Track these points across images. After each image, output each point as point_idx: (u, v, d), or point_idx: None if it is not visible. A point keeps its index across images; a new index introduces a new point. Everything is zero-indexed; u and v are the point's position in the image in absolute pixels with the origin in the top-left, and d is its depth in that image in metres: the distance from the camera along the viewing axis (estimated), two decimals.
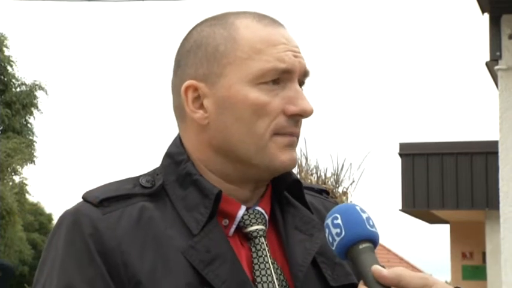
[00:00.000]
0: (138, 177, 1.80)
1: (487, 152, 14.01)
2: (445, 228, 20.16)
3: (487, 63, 12.15)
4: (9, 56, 22.19)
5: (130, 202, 1.73)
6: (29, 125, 22.79)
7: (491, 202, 13.74)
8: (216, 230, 1.73)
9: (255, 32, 1.77)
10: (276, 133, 1.74)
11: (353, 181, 11.85)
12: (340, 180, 11.63)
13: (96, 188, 1.78)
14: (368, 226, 1.61)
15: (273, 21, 1.83)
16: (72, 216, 1.71)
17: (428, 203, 17.65)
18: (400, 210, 17.62)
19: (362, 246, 1.59)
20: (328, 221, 1.64)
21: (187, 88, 1.78)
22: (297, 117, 1.76)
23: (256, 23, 1.80)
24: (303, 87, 1.81)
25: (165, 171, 1.81)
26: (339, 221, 1.61)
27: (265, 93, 1.74)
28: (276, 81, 1.75)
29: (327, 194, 2.01)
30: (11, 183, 21.99)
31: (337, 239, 1.61)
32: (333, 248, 1.63)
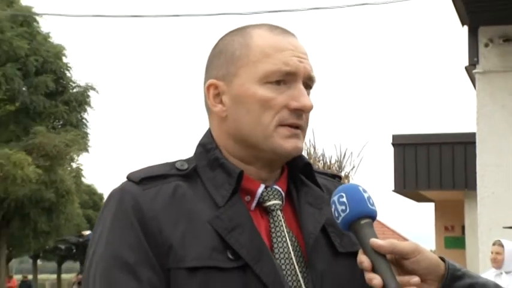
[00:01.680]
0: (174, 162, 1.80)
1: (466, 142, 13.89)
2: (431, 206, 20.04)
3: (466, 68, 12.15)
4: (67, 63, 22.20)
5: (167, 181, 1.73)
6: (83, 120, 22.76)
7: (469, 184, 13.64)
8: (238, 203, 1.72)
9: (266, 40, 1.78)
10: (280, 124, 1.73)
11: (353, 167, 11.96)
12: (343, 166, 11.75)
13: (138, 170, 1.79)
14: (369, 205, 1.61)
15: (284, 31, 1.83)
16: (118, 193, 1.73)
17: (417, 184, 17.55)
18: (392, 191, 17.52)
19: (363, 221, 1.59)
20: (335, 198, 1.64)
21: (209, 86, 1.80)
22: (298, 112, 1.75)
23: (269, 32, 1.80)
24: (310, 91, 1.81)
25: (198, 158, 1.81)
26: (344, 199, 1.61)
27: (271, 91, 1.73)
28: (281, 81, 1.74)
29: (339, 179, 2.00)
30: (69, 169, 22.04)
31: (342, 214, 1.60)
32: (338, 222, 1.63)
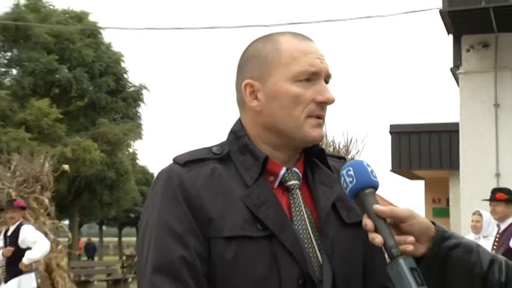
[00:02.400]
0: (211, 147, 1.81)
1: (451, 130, 13.83)
2: (421, 183, 20.02)
3: (451, 69, 12.14)
4: (124, 67, 22.34)
5: (205, 164, 1.75)
6: (138, 113, 22.81)
7: (453, 164, 13.64)
8: (264, 183, 1.73)
9: (293, 45, 1.77)
10: (308, 116, 1.73)
11: (358, 151, 12.02)
12: (349, 150, 11.81)
13: (182, 154, 1.81)
14: (372, 177, 1.62)
15: (305, 37, 1.84)
16: (165, 173, 1.75)
17: (410, 165, 17.55)
18: (390, 170, 17.53)
19: (367, 191, 1.60)
20: (344, 172, 1.64)
21: (246, 85, 1.78)
22: (323, 104, 1.75)
23: (294, 39, 1.80)
24: (328, 85, 1.80)
25: (230, 143, 1.80)
26: (352, 172, 1.62)
27: (300, 88, 1.72)
28: (308, 80, 1.73)
29: (345, 160, 1.95)
30: (126, 153, 22.17)
31: (350, 185, 1.61)
32: (346, 192, 1.63)
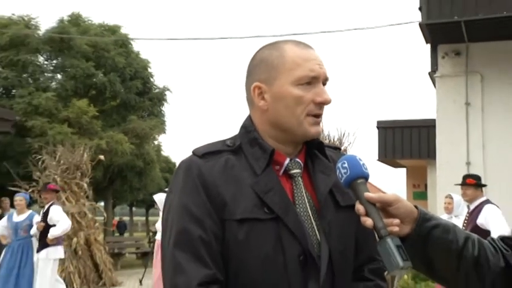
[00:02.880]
0: (224, 140, 1.81)
1: (429, 126, 13.72)
2: (404, 170, 19.88)
3: (429, 73, 12.06)
4: (150, 72, 22.11)
5: (220, 155, 1.74)
6: (162, 111, 22.62)
7: (431, 155, 13.54)
8: (271, 172, 1.73)
9: (295, 52, 1.76)
10: (308, 114, 1.73)
11: (350, 143, 11.91)
12: (342, 142, 11.67)
13: (200, 147, 1.80)
14: (363, 169, 1.61)
15: (306, 45, 1.81)
16: (186, 164, 1.75)
17: (394, 155, 17.41)
18: (376, 160, 17.40)
19: (359, 181, 1.60)
20: (339, 164, 1.63)
21: (254, 87, 1.78)
22: (321, 105, 1.75)
23: (296, 47, 1.78)
24: (325, 87, 1.79)
25: (241, 137, 1.80)
26: (346, 165, 1.61)
27: (301, 90, 1.72)
28: (308, 83, 1.73)
29: (340, 150, 1.99)
30: (152, 145, 22.01)
31: (344, 176, 1.61)
32: (341, 181, 1.63)
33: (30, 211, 10.79)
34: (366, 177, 1.62)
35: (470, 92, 10.85)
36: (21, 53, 19.40)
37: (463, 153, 10.79)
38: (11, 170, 15.00)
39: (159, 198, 10.21)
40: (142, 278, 14.33)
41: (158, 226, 10.29)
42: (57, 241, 10.13)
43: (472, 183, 7.42)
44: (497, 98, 10.77)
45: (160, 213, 10.49)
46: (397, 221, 1.55)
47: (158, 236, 10.21)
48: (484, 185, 7.81)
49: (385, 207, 1.57)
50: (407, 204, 1.60)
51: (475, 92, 10.86)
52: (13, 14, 20.43)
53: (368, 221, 1.54)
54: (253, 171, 1.72)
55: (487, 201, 7.38)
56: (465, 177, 7.62)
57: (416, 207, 1.64)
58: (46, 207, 10.32)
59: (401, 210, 1.57)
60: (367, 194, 1.57)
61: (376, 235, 1.55)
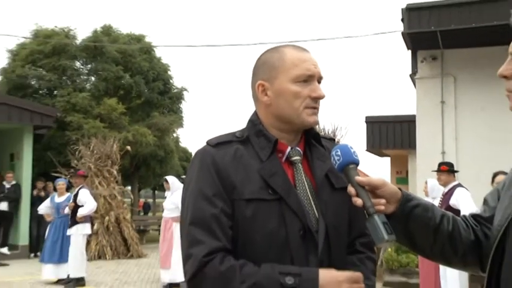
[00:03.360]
0: (234, 132, 1.80)
1: (410, 121, 13.73)
2: (388, 159, 19.84)
3: (410, 75, 12.01)
4: (170, 75, 22.01)
5: (231, 145, 1.73)
6: (180, 108, 22.57)
7: (411, 145, 13.56)
8: (274, 159, 1.72)
9: (294, 55, 1.75)
10: (305, 107, 1.72)
11: (342, 135, 11.93)
12: (336, 135, 11.69)
13: (213, 138, 1.78)
14: (354, 156, 1.62)
15: (303, 49, 1.79)
16: (201, 153, 1.74)
17: (380, 146, 17.42)
18: (365, 150, 17.40)
19: (351, 166, 1.60)
20: (333, 152, 1.64)
21: (258, 85, 1.77)
22: (316, 99, 1.73)
23: (294, 50, 1.77)
24: (320, 84, 1.77)
25: (248, 129, 1.79)
26: (339, 153, 1.62)
27: (299, 87, 1.71)
28: (305, 81, 1.71)
29: (334, 141, 1.96)
30: (172, 137, 21.91)
31: (338, 162, 1.61)
32: (335, 167, 1.63)
33: (68, 193, 10.94)
34: (356, 163, 1.62)
35: (445, 92, 10.85)
36: (61, 59, 19.42)
37: (439, 144, 10.79)
38: (53, 159, 15.12)
39: (172, 180, 10.38)
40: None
41: (165, 205, 10.32)
42: (85, 219, 10.32)
43: (446, 169, 7.45)
44: (468, 97, 10.76)
45: (167, 193, 10.59)
46: (383, 200, 1.56)
47: (165, 214, 10.31)
48: (456, 171, 7.85)
49: (373, 189, 1.57)
50: (392, 187, 1.60)
51: (449, 92, 10.86)
52: (55, 27, 20.45)
53: (358, 201, 1.55)
54: (259, 159, 1.71)
55: (459, 185, 7.40)
56: (440, 164, 7.65)
57: (400, 189, 1.63)
58: (76, 190, 10.52)
59: (387, 192, 1.58)
60: (358, 178, 1.57)
61: (365, 213, 1.55)
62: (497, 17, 9.28)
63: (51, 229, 10.82)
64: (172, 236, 10.03)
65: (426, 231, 1.60)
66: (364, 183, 1.56)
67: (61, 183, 11.02)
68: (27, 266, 12.78)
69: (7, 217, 14.45)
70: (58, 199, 10.85)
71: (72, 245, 10.31)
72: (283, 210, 1.65)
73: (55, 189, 11.36)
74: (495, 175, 6.81)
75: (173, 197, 10.18)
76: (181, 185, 10.08)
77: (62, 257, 10.49)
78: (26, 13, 52.31)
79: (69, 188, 11.42)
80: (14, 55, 20.14)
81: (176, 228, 9.94)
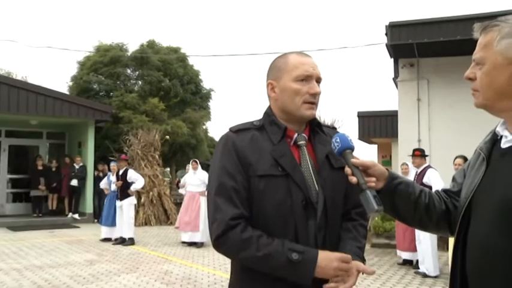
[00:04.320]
0: (252, 121, 1.75)
1: (393, 115, 13.70)
2: (375, 146, 19.79)
3: (393, 78, 12.06)
4: (201, 78, 21.89)
5: (249, 132, 1.70)
6: (208, 105, 22.44)
7: (394, 135, 13.51)
8: (284, 143, 1.68)
9: (295, 59, 1.71)
10: (304, 102, 1.68)
11: (339, 127, 11.95)
12: (333, 126, 11.71)
13: (235, 125, 1.73)
14: (350, 143, 1.58)
15: (305, 54, 1.75)
16: (224, 138, 1.71)
17: (369, 135, 17.43)
18: (357, 139, 17.40)
19: (347, 151, 1.57)
20: (333, 139, 1.60)
21: (268, 84, 1.75)
22: (314, 95, 1.69)
23: (297, 55, 1.73)
24: (319, 84, 1.72)
25: (264, 119, 1.75)
26: (338, 140, 1.59)
27: (299, 85, 1.67)
28: (304, 80, 1.67)
29: (335, 129, 1.90)
30: (202, 129, 21.72)
31: (337, 147, 1.58)
32: (335, 151, 1.60)
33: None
34: (352, 148, 1.59)
35: (421, 91, 10.86)
36: (116, 68, 19.60)
37: (416, 133, 10.81)
38: (110, 146, 15.35)
39: (198, 161, 10.79)
40: None
41: (191, 181, 10.56)
42: (132, 193, 10.69)
43: (419, 154, 7.55)
44: (439, 96, 10.78)
45: (191, 172, 10.76)
46: (374, 178, 1.54)
47: (192, 189, 10.47)
48: (427, 155, 7.96)
49: (365, 169, 1.55)
50: (381, 167, 1.58)
51: (423, 92, 10.87)
52: (112, 42, 20.67)
53: (353, 179, 1.52)
54: (271, 142, 1.68)
55: (429, 166, 7.54)
56: (414, 150, 7.73)
57: (387, 169, 1.62)
58: (121, 171, 10.76)
59: (377, 171, 1.55)
60: (353, 160, 1.55)
61: (359, 188, 1.54)
62: (461, 33, 9.35)
63: (106, 201, 11.23)
64: (200, 206, 10.27)
65: (408, 203, 1.58)
66: (358, 164, 1.54)
67: (113, 165, 11.30)
68: (92, 228, 13.18)
69: (77, 191, 15.04)
70: (112, 177, 11.16)
71: (126, 214, 10.61)
72: (290, 184, 1.62)
73: (109, 170, 11.63)
74: (455, 158, 6.89)
75: (198, 174, 10.44)
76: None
77: (114, 221, 10.85)
78: (91, 31, 52.60)
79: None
80: (81, 65, 20.42)
81: (203, 200, 10.24)
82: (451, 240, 1.50)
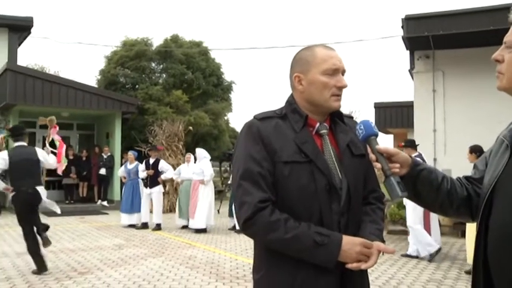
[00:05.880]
0: (275, 110, 1.74)
1: (409, 106, 13.58)
2: (391, 136, 19.63)
3: (409, 70, 11.89)
4: (222, 71, 21.75)
5: (272, 119, 1.68)
6: (229, 97, 22.35)
7: (410, 125, 13.41)
8: (306, 131, 1.67)
9: (323, 52, 1.68)
10: (332, 95, 1.66)
11: (356, 117, 11.86)
12: (350, 116, 11.66)
13: (259, 113, 1.72)
14: (374, 129, 1.57)
15: (330, 48, 1.72)
16: (248, 124, 1.69)
17: (385, 125, 17.35)
18: None
19: (372, 137, 1.56)
20: (357, 126, 1.59)
21: (295, 76, 1.71)
22: (341, 88, 1.67)
23: (323, 49, 1.70)
24: (344, 76, 1.70)
25: (286, 107, 1.73)
26: (362, 127, 1.57)
27: (327, 78, 1.65)
28: (332, 73, 1.65)
29: (352, 118, 1.85)
30: (223, 120, 21.66)
31: (361, 134, 1.57)
32: (359, 138, 1.59)
33: (136, 162, 11.33)
34: (376, 134, 1.57)
35: (436, 83, 10.74)
36: (141, 62, 19.76)
37: (431, 123, 10.71)
38: (136, 136, 15.59)
39: (199, 151, 10.72)
40: (219, 207, 14.40)
41: (194, 170, 10.63)
42: (161, 181, 10.86)
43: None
44: (453, 87, 10.64)
45: (191, 162, 10.90)
46: (398, 165, 1.53)
47: (194, 177, 10.52)
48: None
49: (389, 156, 1.54)
50: (404, 155, 1.57)
51: (439, 83, 10.75)
52: (138, 37, 20.80)
53: (378, 165, 1.52)
54: (294, 130, 1.66)
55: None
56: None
57: (410, 156, 1.59)
58: (152, 160, 10.87)
59: (400, 158, 1.54)
60: (378, 147, 1.54)
61: (383, 175, 1.51)
62: (476, 25, 9.22)
63: (125, 188, 11.35)
64: (198, 194, 10.39)
65: (430, 189, 1.57)
66: (383, 151, 1.53)
67: (130, 154, 11.43)
68: (120, 215, 13.39)
69: (105, 179, 15.37)
70: (129, 166, 11.29)
71: (155, 201, 10.79)
72: (313, 170, 1.60)
73: (136, 159, 11.64)
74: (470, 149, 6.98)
75: (200, 164, 10.52)
76: (207, 155, 10.47)
77: (133, 208, 11.01)
78: (118, 27, 53.14)
79: (137, 157, 11.65)
80: (109, 60, 20.68)
81: (201, 188, 10.37)
82: (469, 227, 1.47)
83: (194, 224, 10.36)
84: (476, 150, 7.11)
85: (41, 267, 6.27)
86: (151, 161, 10.91)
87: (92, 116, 16.66)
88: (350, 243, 1.55)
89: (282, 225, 1.54)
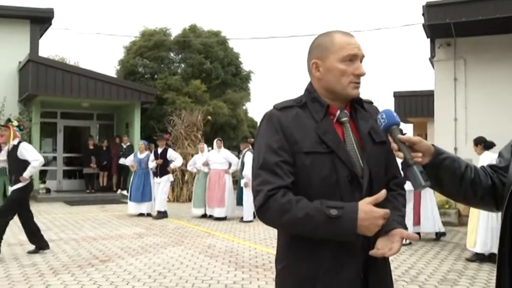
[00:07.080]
0: (295, 99, 1.72)
1: (429, 95, 13.42)
2: (411, 125, 19.43)
3: (429, 59, 11.68)
4: (240, 61, 21.80)
5: (292, 109, 1.66)
6: (248, 87, 22.41)
7: (430, 114, 13.27)
8: (327, 120, 1.65)
9: (341, 39, 1.65)
10: (350, 82, 1.63)
11: (376, 107, 11.78)
12: (370, 101, 11.59)
13: (279, 103, 1.71)
14: (396, 118, 1.56)
15: (349, 34, 1.69)
16: (269, 114, 1.68)
17: (405, 115, 17.17)
18: None
19: (394, 127, 1.55)
20: (379, 116, 1.58)
21: (313, 63, 1.68)
22: (359, 75, 1.64)
23: (342, 35, 1.67)
24: (362, 63, 1.67)
25: (305, 96, 1.71)
26: (384, 116, 1.57)
27: (345, 65, 1.62)
28: (350, 60, 1.63)
29: (372, 103, 1.83)
30: (242, 109, 21.70)
31: (383, 123, 1.56)
32: (381, 127, 1.58)
33: (147, 152, 11.41)
34: (398, 124, 1.56)
35: (457, 71, 10.58)
36: (160, 52, 19.88)
37: (452, 112, 10.58)
38: (154, 126, 15.73)
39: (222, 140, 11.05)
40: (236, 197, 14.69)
41: (216, 160, 10.71)
42: (171, 170, 11.10)
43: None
44: (475, 75, 10.47)
45: (213, 151, 10.95)
46: (420, 154, 1.51)
47: (217, 166, 10.64)
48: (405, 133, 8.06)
49: (411, 145, 1.52)
50: (427, 143, 1.54)
51: (460, 72, 10.59)
52: (156, 27, 20.91)
53: (400, 154, 1.51)
54: (314, 120, 1.64)
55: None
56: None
57: (433, 145, 1.56)
58: (161, 149, 10.95)
59: (423, 147, 1.52)
60: (400, 136, 1.52)
61: (406, 163, 1.50)
62: (499, 11, 9.01)
63: (134, 178, 11.35)
64: (225, 183, 10.51)
65: (453, 178, 1.55)
66: (405, 140, 1.52)
67: (141, 143, 11.50)
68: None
69: (125, 169, 15.40)
70: (140, 155, 11.35)
71: (161, 189, 10.90)
72: (335, 160, 1.59)
73: (156, 147, 11.71)
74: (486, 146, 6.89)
75: (222, 153, 10.57)
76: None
77: (142, 197, 11.09)
78: (136, 17, 53.39)
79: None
80: (127, 50, 20.86)
81: (227, 177, 10.54)
82: (472, 213, 1.42)
83: (223, 212, 10.50)
84: (480, 142, 6.99)
85: (46, 244, 7.00)
86: (160, 150, 10.99)
87: (112, 106, 16.83)
88: (367, 211, 1.49)
89: (294, 205, 1.53)
